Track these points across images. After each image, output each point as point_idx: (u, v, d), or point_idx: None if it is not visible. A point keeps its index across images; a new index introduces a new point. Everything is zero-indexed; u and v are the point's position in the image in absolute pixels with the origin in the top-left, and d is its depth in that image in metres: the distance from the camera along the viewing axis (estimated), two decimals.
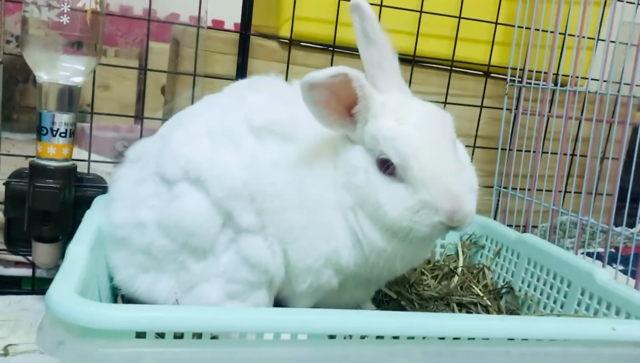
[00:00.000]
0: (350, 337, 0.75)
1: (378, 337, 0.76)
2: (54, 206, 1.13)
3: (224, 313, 0.73)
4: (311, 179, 0.91)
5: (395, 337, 0.76)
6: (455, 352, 0.76)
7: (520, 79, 1.51)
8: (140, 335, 0.70)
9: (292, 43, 1.40)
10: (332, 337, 0.75)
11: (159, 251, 0.92)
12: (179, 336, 0.72)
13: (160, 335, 0.72)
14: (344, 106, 0.88)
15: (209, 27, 1.31)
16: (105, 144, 1.70)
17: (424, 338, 0.76)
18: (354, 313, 0.76)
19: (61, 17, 1.08)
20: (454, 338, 0.78)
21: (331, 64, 1.42)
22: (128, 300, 0.99)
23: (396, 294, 1.20)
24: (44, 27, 1.08)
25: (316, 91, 0.84)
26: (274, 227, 0.91)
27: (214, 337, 0.73)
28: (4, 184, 1.21)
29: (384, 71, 0.91)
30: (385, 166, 0.86)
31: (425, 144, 0.85)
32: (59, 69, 1.12)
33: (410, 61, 1.48)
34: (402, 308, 1.17)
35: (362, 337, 0.76)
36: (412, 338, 0.76)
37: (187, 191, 0.90)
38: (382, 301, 1.20)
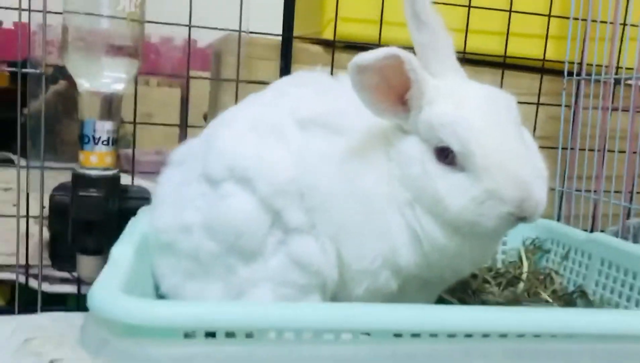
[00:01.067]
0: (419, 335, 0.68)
1: (450, 335, 0.68)
2: (97, 216, 1.10)
3: (279, 308, 0.66)
4: (363, 172, 0.85)
5: (469, 335, 0.68)
6: (537, 350, 0.68)
7: (578, 73, 1.42)
8: (190, 334, 0.64)
9: (336, 46, 1.36)
10: (397, 335, 0.67)
11: (206, 254, 0.87)
12: (230, 334, 0.66)
13: (211, 334, 0.66)
14: (395, 93, 0.82)
15: (250, 32, 1.27)
16: (148, 168, 1.68)
17: (501, 336, 0.68)
18: (422, 308, 0.69)
19: (100, 22, 1.06)
20: (535, 336, 0.69)
21: None
22: None
23: (459, 301, 1.12)
24: (83, 33, 1.06)
25: (366, 75, 0.79)
26: (325, 225, 0.85)
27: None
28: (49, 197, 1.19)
29: (437, 53, 0.86)
30: (444, 155, 0.80)
31: (487, 128, 0.78)
32: (100, 76, 1.10)
33: (460, 59, 1.40)
34: None
35: (432, 335, 0.68)
36: (488, 335, 0.68)
37: (233, 191, 0.86)
38: None
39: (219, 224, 0.85)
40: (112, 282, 0.68)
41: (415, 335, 0.67)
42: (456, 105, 0.80)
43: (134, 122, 1.27)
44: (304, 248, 0.85)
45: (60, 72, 1.59)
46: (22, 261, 1.24)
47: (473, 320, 0.67)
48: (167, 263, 0.92)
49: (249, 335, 0.66)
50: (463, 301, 1.12)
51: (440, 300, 1.11)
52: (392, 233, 0.84)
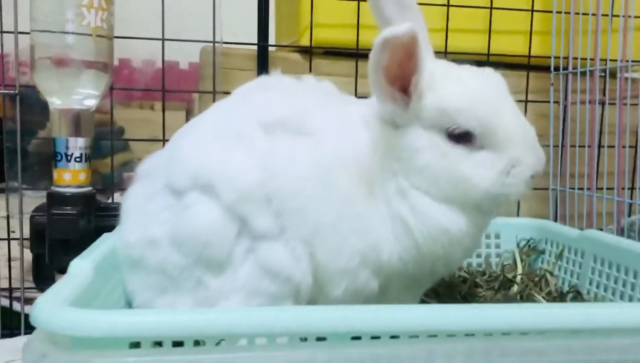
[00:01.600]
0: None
1: (412, 336, 0.65)
2: (72, 234, 1.08)
3: (226, 314, 0.63)
4: (336, 170, 0.83)
5: (433, 335, 0.65)
6: (506, 348, 0.64)
7: (565, 68, 1.39)
8: (136, 344, 0.62)
9: (315, 52, 1.34)
10: (356, 338, 0.64)
11: (174, 268, 0.84)
12: (179, 343, 0.63)
13: (159, 344, 0.63)
14: (400, 78, 0.80)
15: (224, 43, 1.26)
16: None
17: (467, 335, 0.65)
18: (379, 309, 0.65)
19: (65, 39, 1.05)
20: (503, 334, 0.65)
21: (356, 70, 1.35)
22: None
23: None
24: (49, 50, 1.06)
25: (385, 53, 0.76)
26: (296, 228, 0.83)
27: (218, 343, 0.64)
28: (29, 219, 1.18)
29: (422, 40, 0.82)
30: (460, 137, 0.81)
31: (499, 104, 0.82)
32: (69, 93, 1.09)
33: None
34: None
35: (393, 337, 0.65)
36: (453, 335, 0.65)
37: (197, 200, 0.83)
38: None
39: (184, 235, 0.83)
40: (58, 295, 0.66)
41: (375, 338, 0.64)
42: (462, 87, 0.81)
43: (111, 139, 1.26)
44: (273, 254, 0.82)
45: None
46: (6, 285, 1.23)
47: (433, 319, 0.63)
48: (137, 279, 0.89)
49: (197, 343, 0.63)
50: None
51: None
52: (372, 228, 0.83)
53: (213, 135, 0.87)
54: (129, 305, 0.92)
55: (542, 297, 1.16)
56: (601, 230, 1.38)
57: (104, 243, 0.93)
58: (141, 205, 0.90)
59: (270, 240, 0.83)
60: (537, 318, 0.65)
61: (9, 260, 1.24)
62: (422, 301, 1.05)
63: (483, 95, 0.82)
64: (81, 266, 0.78)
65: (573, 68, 1.37)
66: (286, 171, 0.83)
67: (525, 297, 1.16)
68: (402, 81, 0.81)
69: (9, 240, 1.23)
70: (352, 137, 0.87)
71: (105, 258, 0.88)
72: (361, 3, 1.33)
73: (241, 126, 0.87)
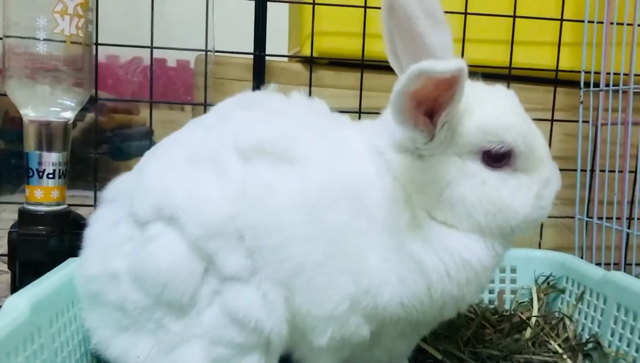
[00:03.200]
0: None
1: None
2: (41, 255, 1.01)
3: None
4: (326, 201, 0.73)
5: None
6: None
7: (596, 84, 1.24)
8: None
9: (318, 63, 1.24)
10: None
11: (134, 307, 0.76)
12: None
13: None
14: (428, 105, 0.72)
15: (217, 51, 1.17)
16: None
17: None
18: None
19: (37, 46, 0.97)
20: None
21: (361, 82, 1.23)
22: None
23: (442, 353, 0.96)
24: (21, 58, 0.99)
25: (420, 82, 0.67)
26: (272, 269, 0.73)
27: None
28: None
29: (451, 55, 0.77)
30: (499, 159, 0.75)
31: (529, 123, 0.78)
32: (44, 104, 1.02)
33: None
34: None
35: None
36: None
37: (160, 233, 0.74)
38: (424, 362, 0.95)
39: (144, 273, 0.74)
40: None
41: None
42: (497, 105, 0.77)
43: (95, 154, 1.18)
44: (241, 299, 0.73)
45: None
46: None
47: None
48: (95, 315, 0.81)
49: None
50: (446, 354, 0.96)
51: (420, 351, 0.95)
52: (369, 269, 0.74)
53: (184, 159, 0.78)
54: (84, 344, 0.84)
55: (558, 345, 1.02)
56: (635, 264, 1.24)
57: (61, 271, 0.85)
58: (103, 234, 0.82)
59: (238, 283, 0.73)
60: None
61: None
62: (418, 348, 0.94)
63: (517, 112, 0.78)
64: (12, 307, 0.69)
65: (606, 84, 1.22)
66: (263, 202, 0.73)
67: (538, 345, 1.04)
68: (431, 109, 0.73)
69: None
70: (347, 165, 0.77)
71: (56, 291, 0.80)
72: (368, 11, 1.21)
73: (216, 151, 0.77)
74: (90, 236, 0.84)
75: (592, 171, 1.27)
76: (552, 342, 1.04)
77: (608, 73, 1.22)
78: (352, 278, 0.73)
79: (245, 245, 0.73)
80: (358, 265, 0.74)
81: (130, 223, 0.78)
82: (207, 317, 0.74)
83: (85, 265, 0.82)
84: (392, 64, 0.83)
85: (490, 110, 0.76)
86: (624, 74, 1.18)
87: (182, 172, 0.77)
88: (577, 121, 1.28)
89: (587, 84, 1.27)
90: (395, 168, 0.76)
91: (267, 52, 1.20)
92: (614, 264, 1.24)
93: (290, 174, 0.75)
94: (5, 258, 1.13)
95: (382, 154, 0.77)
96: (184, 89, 2.27)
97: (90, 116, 1.75)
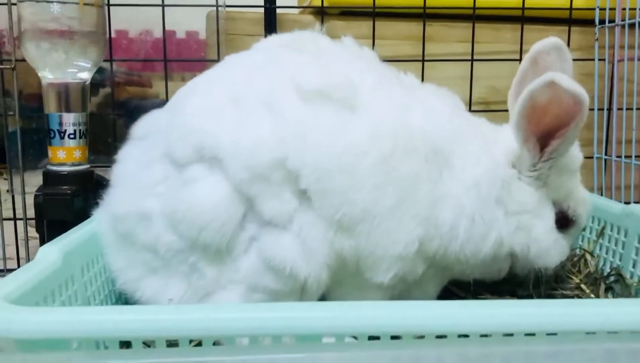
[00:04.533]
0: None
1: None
2: (67, 214, 1.03)
3: (186, 313, 0.55)
4: (403, 152, 0.75)
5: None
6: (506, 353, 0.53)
7: (611, 20, 1.22)
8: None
9: (329, 13, 1.23)
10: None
11: (167, 249, 0.74)
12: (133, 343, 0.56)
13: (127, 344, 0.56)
14: (542, 131, 0.79)
15: (227, 6, 1.17)
16: None
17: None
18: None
19: (51, 8, 0.98)
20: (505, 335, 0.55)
21: (373, 30, 1.23)
22: None
23: (462, 290, 0.97)
24: (36, 22, 0.99)
25: (548, 94, 0.74)
26: (328, 212, 0.72)
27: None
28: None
29: None
30: (564, 224, 0.86)
31: None
32: (60, 66, 1.03)
33: (469, 17, 1.24)
34: None
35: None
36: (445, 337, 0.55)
37: (200, 175, 0.73)
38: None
39: (181, 215, 0.72)
40: (4, 289, 0.60)
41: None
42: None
43: (113, 114, 1.19)
44: (279, 246, 0.72)
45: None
46: (13, 266, 1.20)
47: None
48: (124, 255, 0.80)
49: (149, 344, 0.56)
50: (463, 289, 0.97)
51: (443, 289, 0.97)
52: (441, 223, 0.78)
53: (227, 97, 0.75)
54: (114, 294, 0.86)
55: (579, 280, 1.03)
56: None
57: (89, 224, 0.87)
58: (134, 173, 0.79)
59: (277, 229, 0.72)
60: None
61: (16, 240, 1.21)
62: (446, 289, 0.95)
63: None
64: (45, 254, 0.71)
65: (621, 20, 1.20)
66: (328, 145, 0.72)
67: (560, 280, 1.05)
68: (546, 137, 0.79)
69: (14, 220, 1.20)
70: (420, 118, 0.78)
71: (86, 241, 0.81)
72: None
73: (272, 90, 0.75)
74: (120, 174, 0.82)
75: (610, 109, 1.26)
76: (573, 277, 1.05)
77: (623, 9, 1.20)
78: (423, 222, 0.76)
79: (296, 188, 0.72)
80: (429, 213, 0.76)
81: (166, 163, 0.76)
82: (243, 263, 0.74)
83: (114, 204, 0.80)
84: (510, 106, 0.90)
85: (572, 180, 0.87)
86: None
87: (226, 111, 0.74)
88: (593, 60, 1.27)
89: (602, 21, 1.25)
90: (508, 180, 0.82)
91: (277, 5, 1.20)
92: (635, 203, 1.24)
93: (359, 121, 0.74)
94: (34, 223, 1.16)
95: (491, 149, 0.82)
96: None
97: (104, 91, 1.76)
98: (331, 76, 0.75)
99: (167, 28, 1.19)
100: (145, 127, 0.83)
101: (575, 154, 0.86)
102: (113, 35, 1.13)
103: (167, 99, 1.27)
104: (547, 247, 0.84)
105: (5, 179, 1.16)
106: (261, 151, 0.71)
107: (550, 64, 0.85)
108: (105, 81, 1.41)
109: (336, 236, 0.73)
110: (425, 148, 0.77)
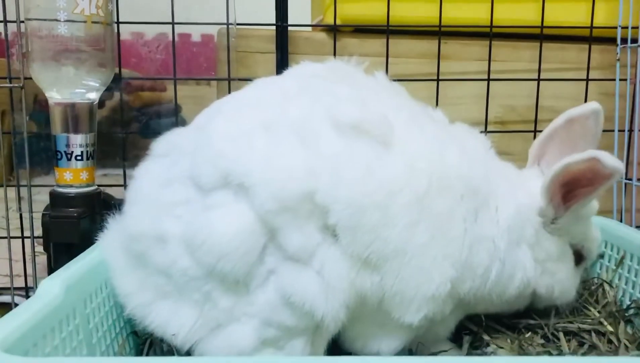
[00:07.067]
0: None
1: None
2: (73, 237, 1.02)
3: None
4: (437, 190, 0.74)
5: None
6: None
7: (634, 40, 1.19)
8: None
9: (342, 30, 1.20)
10: None
11: (181, 275, 0.71)
12: None
13: None
14: (567, 190, 0.85)
15: (239, 24, 1.15)
16: None
17: None
18: None
19: (58, 27, 0.97)
20: None
21: (387, 48, 1.20)
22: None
23: (476, 324, 0.94)
24: (43, 41, 0.98)
25: (585, 170, 0.79)
26: (356, 249, 0.70)
27: None
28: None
29: None
30: (575, 259, 0.92)
31: None
32: (67, 86, 1.01)
33: (486, 34, 1.21)
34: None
35: None
36: None
37: (225, 202, 0.69)
38: (459, 335, 0.94)
39: (200, 240, 0.69)
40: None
41: None
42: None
43: (122, 133, 1.18)
44: (299, 282, 0.69)
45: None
46: (20, 284, 1.19)
47: None
48: (135, 277, 0.77)
49: None
50: (481, 325, 0.94)
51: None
52: (472, 265, 0.78)
53: (259, 124, 0.72)
54: (119, 323, 0.84)
55: (597, 312, 1.00)
56: None
57: (93, 252, 0.85)
58: (153, 191, 0.76)
59: (298, 264, 0.69)
60: None
61: (24, 257, 1.20)
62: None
63: None
64: (46, 290, 0.70)
65: None
66: (361, 181, 0.70)
67: (576, 312, 1.01)
68: (570, 194, 0.85)
69: (22, 238, 1.19)
70: (456, 158, 0.78)
71: (89, 272, 0.80)
72: None
73: (301, 119, 0.72)
74: (137, 191, 0.78)
75: (631, 131, 1.22)
76: (591, 308, 1.01)
77: None
78: (456, 263, 0.75)
79: (321, 223, 0.69)
80: (463, 253, 0.76)
81: (188, 186, 0.73)
82: (259, 297, 0.71)
83: (130, 222, 0.76)
84: (531, 154, 0.95)
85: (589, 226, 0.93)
86: None
87: (257, 137, 0.71)
88: (614, 80, 1.23)
89: (624, 40, 1.21)
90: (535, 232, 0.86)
91: (289, 23, 1.18)
92: None
93: (393, 158, 0.72)
94: (41, 240, 1.15)
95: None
96: (206, 65, 2.25)
97: (118, 95, 1.76)
98: (368, 111, 0.73)
99: (183, 32, 1.18)
100: (167, 143, 0.80)
101: (593, 203, 0.90)
102: (128, 37, 1.12)
103: (176, 110, 1.26)
104: (570, 287, 0.92)
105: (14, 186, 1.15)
106: (292, 182, 0.68)
107: (587, 129, 0.89)
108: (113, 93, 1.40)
109: (359, 274, 0.71)
110: (461, 186, 0.76)
